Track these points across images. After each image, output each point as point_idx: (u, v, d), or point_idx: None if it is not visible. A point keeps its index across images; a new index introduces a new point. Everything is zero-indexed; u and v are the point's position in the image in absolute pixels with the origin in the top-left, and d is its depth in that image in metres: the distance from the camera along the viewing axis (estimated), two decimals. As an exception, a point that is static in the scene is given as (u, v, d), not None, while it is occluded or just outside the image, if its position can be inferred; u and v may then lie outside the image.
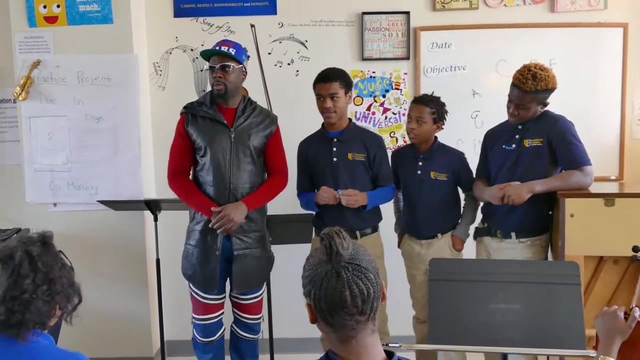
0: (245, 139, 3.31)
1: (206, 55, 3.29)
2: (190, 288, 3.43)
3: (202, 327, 3.43)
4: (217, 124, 3.30)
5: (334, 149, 3.44)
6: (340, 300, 1.51)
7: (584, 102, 4.27)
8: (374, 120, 4.37)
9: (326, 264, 1.54)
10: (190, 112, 3.34)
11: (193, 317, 3.46)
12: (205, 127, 3.30)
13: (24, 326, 1.84)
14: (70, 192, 4.19)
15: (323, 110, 3.41)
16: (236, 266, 3.34)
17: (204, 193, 3.32)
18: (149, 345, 4.34)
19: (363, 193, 3.38)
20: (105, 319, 4.20)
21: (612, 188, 3.70)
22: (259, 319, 3.55)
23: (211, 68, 3.25)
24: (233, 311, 3.54)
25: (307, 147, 3.55)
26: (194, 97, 4.29)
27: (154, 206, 3.87)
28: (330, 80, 3.36)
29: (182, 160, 3.38)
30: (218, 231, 3.25)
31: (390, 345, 2.40)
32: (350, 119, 3.52)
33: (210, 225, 3.25)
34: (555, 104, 3.37)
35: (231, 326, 3.57)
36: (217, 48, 3.23)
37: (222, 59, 3.24)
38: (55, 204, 4.22)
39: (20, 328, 1.83)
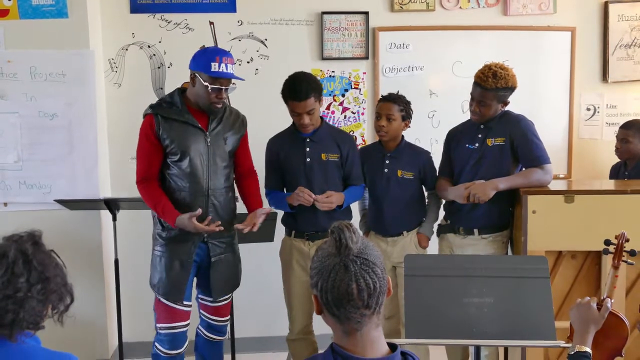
0: (221, 143, 3.22)
1: (216, 75, 3.07)
2: (159, 297, 3.23)
3: (171, 337, 3.22)
4: (191, 128, 3.14)
5: (307, 149, 3.41)
6: (346, 293, 1.52)
7: (534, 103, 4.41)
8: (334, 120, 4.40)
9: (335, 257, 1.54)
10: (160, 114, 3.12)
11: (158, 329, 3.25)
12: (180, 131, 3.12)
13: (17, 326, 1.77)
14: (22, 191, 4.06)
15: (300, 124, 3.35)
16: (214, 272, 3.25)
17: (177, 198, 3.16)
18: (105, 348, 4.24)
19: (340, 193, 3.39)
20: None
21: (562, 186, 3.83)
22: (227, 320, 3.48)
23: (219, 89, 3.07)
24: (201, 314, 3.44)
25: (278, 146, 3.49)
26: (151, 95, 4.24)
27: (113, 205, 3.79)
28: (306, 98, 3.26)
29: (152, 165, 3.17)
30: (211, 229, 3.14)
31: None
32: (322, 118, 3.49)
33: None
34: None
35: (197, 329, 3.47)
36: (231, 71, 3.09)
37: (230, 81, 3.15)
38: (5, 204, 4.08)
39: (13, 328, 1.77)
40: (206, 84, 3.06)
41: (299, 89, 3.27)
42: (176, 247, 3.19)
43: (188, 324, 3.28)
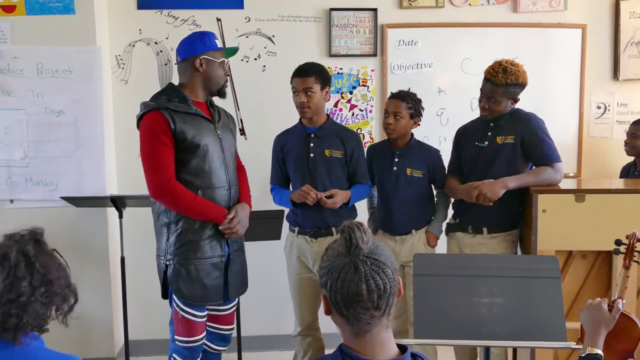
0: (229, 134, 3.16)
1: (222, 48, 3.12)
2: (184, 311, 3.03)
3: (191, 350, 3.08)
4: (203, 120, 3.01)
5: (311, 145, 3.40)
6: (356, 293, 1.50)
7: (544, 101, 4.36)
8: (341, 117, 4.37)
9: (345, 257, 1.52)
10: (168, 109, 2.91)
11: (177, 341, 3.07)
12: (195, 124, 2.96)
13: (20, 330, 1.73)
14: (28, 188, 4.05)
15: (298, 105, 3.37)
16: (231, 271, 3.13)
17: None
18: (111, 346, 4.22)
19: (345, 191, 3.38)
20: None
21: (572, 184, 3.79)
22: (233, 328, 3.34)
23: (223, 62, 3.07)
24: (207, 326, 3.20)
25: (284, 141, 3.50)
26: (158, 92, 4.21)
27: (119, 203, 3.77)
28: (306, 75, 3.32)
29: (172, 164, 2.93)
30: (232, 236, 3.06)
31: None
32: (328, 115, 3.49)
33: (221, 229, 3.01)
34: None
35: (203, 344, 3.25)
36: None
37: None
38: (12, 201, 4.07)
39: (16, 332, 1.73)
40: (222, 59, 3.06)
41: (303, 66, 3.38)
42: (205, 251, 3.01)
43: (205, 334, 3.15)
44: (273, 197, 3.55)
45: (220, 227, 3.01)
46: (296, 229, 3.48)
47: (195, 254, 3.00)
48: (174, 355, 3.12)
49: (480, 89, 3.36)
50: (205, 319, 3.12)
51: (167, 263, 3.03)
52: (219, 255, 3.05)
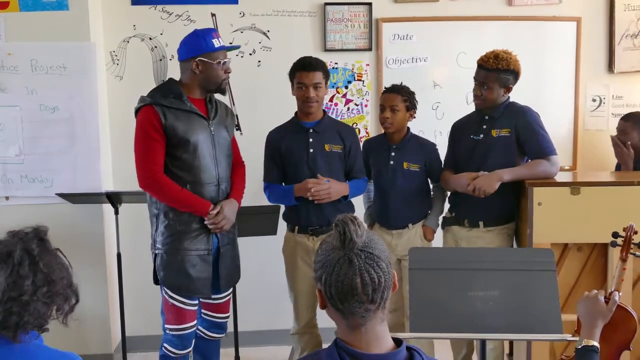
0: (223, 131, 3.19)
1: (221, 48, 3.16)
2: (173, 298, 3.11)
3: (181, 338, 3.14)
4: (195, 117, 3.08)
5: (310, 140, 3.38)
6: (350, 287, 1.50)
7: (539, 94, 4.36)
8: (337, 112, 4.36)
9: (339, 250, 1.52)
10: (161, 105, 3.03)
11: (168, 330, 3.15)
12: (186, 120, 3.05)
13: (20, 328, 1.73)
14: (23, 185, 4.04)
15: (305, 99, 3.33)
16: (222, 263, 3.18)
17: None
18: (108, 342, 4.22)
19: (344, 183, 3.38)
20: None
21: (567, 177, 3.80)
22: (229, 317, 3.40)
23: (224, 62, 3.12)
24: (202, 314, 3.33)
25: (280, 137, 3.46)
26: (152, 87, 4.19)
27: (115, 199, 3.77)
28: (315, 70, 3.31)
29: (161, 158, 3.04)
30: (217, 230, 3.11)
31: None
32: (324, 110, 3.48)
33: (206, 223, 3.09)
34: (512, 96, 3.43)
35: (196, 330, 3.31)
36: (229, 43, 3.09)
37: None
38: (7, 198, 4.06)
39: (16, 330, 1.73)
40: (218, 60, 3.08)
41: (309, 60, 3.36)
42: (191, 242, 3.09)
43: (196, 323, 3.21)
44: (268, 196, 3.51)
45: (205, 222, 3.09)
46: (295, 227, 3.46)
47: (182, 245, 3.08)
48: (165, 344, 3.18)
49: (474, 78, 3.38)
50: (195, 307, 3.18)
51: (156, 252, 3.13)
52: (205, 249, 3.12)
